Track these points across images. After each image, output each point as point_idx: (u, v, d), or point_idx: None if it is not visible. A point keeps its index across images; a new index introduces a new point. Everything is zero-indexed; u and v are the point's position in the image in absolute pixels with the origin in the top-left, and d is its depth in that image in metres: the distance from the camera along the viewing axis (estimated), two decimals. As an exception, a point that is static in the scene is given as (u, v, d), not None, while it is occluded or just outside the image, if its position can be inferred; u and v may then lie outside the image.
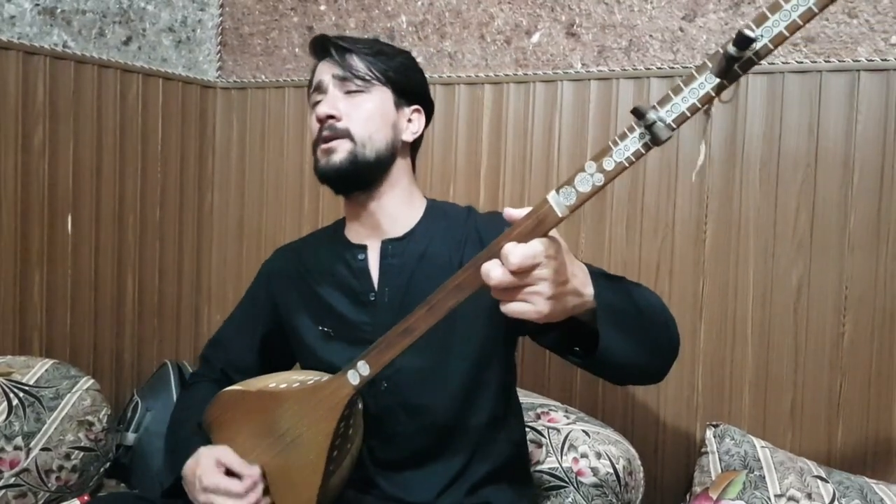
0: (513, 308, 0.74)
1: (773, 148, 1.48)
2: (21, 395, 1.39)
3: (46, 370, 1.46)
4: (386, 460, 1.11)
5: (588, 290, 0.81)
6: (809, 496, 1.21)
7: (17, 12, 1.57)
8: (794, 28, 0.63)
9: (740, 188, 1.50)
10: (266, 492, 1.02)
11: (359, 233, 1.17)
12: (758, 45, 0.63)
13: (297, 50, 1.95)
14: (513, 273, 0.71)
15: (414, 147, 1.20)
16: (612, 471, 1.33)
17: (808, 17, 0.62)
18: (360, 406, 1.03)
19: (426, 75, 1.22)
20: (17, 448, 1.35)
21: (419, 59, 1.52)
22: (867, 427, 1.42)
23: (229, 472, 1.01)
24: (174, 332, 2.00)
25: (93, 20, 1.73)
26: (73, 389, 1.47)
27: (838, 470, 1.32)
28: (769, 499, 1.21)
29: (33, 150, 1.62)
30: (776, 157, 1.48)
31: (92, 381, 1.52)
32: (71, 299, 1.71)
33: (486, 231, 1.13)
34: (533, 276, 0.72)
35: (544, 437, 1.39)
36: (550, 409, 1.47)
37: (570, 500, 1.32)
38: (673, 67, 1.54)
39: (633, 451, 1.40)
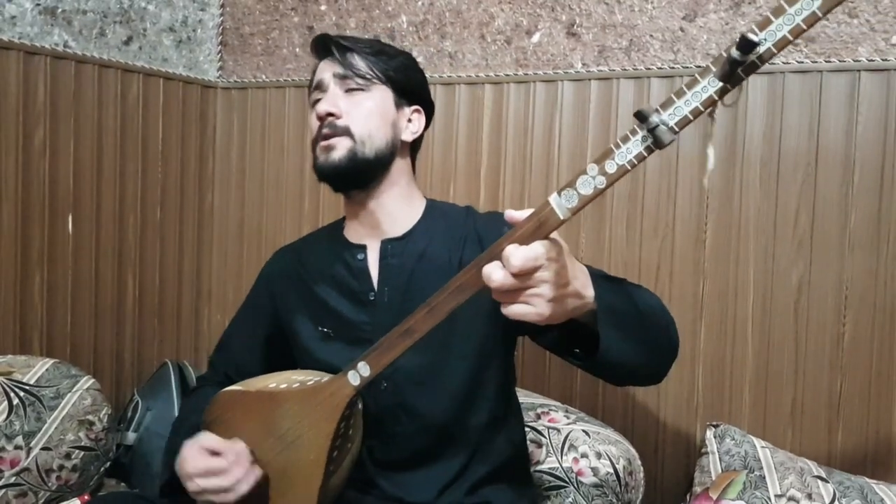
0: (514, 310, 0.74)
1: (774, 148, 1.48)
2: (22, 394, 1.39)
3: (47, 370, 1.46)
4: (386, 460, 1.11)
5: (589, 291, 0.81)
6: (810, 496, 1.21)
7: (17, 12, 1.57)
8: (797, 32, 0.63)
9: (740, 188, 1.50)
10: (259, 469, 1.00)
11: (358, 232, 1.17)
12: (761, 49, 0.63)
13: (297, 50, 1.95)
14: (514, 275, 0.71)
15: (414, 147, 1.20)
16: (612, 471, 1.33)
17: (812, 21, 0.62)
18: (360, 406, 1.03)
19: (427, 75, 1.22)
20: (17, 447, 1.35)
21: (419, 59, 1.52)
22: (867, 427, 1.42)
23: (215, 455, 1.00)
24: (174, 332, 2.00)
25: (93, 20, 1.73)
26: (74, 389, 1.47)
27: (838, 470, 1.32)
28: (769, 499, 1.21)
29: (34, 150, 1.62)
30: (776, 156, 1.48)
31: (92, 380, 1.52)
32: (71, 299, 1.71)
33: (486, 231, 1.13)
34: (534, 278, 0.72)
35: (544, 437, 1.39)
36: (550, 409, 1.47)
37: (570, 500, 1.32)
38: (673, 67, 1.54)
39: (633, 451, 1.40)
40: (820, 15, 0.62)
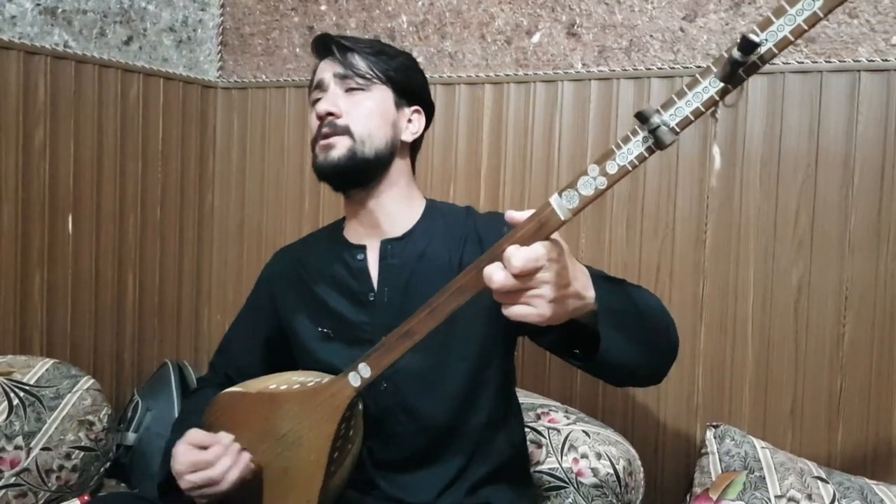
0: (515, 311, 0.74)
1: (774, 148, 1.48)
2: (22, 394, 1.39)
3: (47, 370, 1.46)
4: (386, 461, 1.11)
5: (589, 292, 0.81)
6: (810, 497, 1.21)
7: (18, 12, 1.57)
8: (799, 33, 0.63)
9: (741, 188, 1.50)
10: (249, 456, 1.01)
11: (358, 232, 1.17)
12: (762, 50, 0.63)
13: (297, 50, 1.95)
14: (515, 276, 0.71)
15: (414, 148, 1.20)
16: (612, 471, 1.33)
17: (814, 21, 0.62)
18: (360, 407, 1.03)
19: (427, 75, 1.22)
20: (17, 448, 1.35)
21: (420, 59, 1.52)
22: (867, 428, 1.42)
23: (202, 449, 1.00)
24: (174, 332, 2.00)
25: (94, 20, 1.73)
26: (74, 389, 1.47)
27: (838, 471, 1.32)
28: (769, 499, 1.21)
29: (34, 150, 1.62)
30: (776, 157, 1.48)
31: (92, 380, 1.52)
32: (71, 299, 1.71)
33: (486, 231, 1.13)
34: (535, 279, 0.72)
35: (544, 437, 1.39)
36: (551, 410, 1.47)
37: (570, 500, 1.32)
38: (673, 68, 1.54)
39: (633, 451, 1.40)
40: (821, 15, 0.62)
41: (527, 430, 1.27)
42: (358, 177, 1.11)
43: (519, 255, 0.70)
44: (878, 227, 1.41)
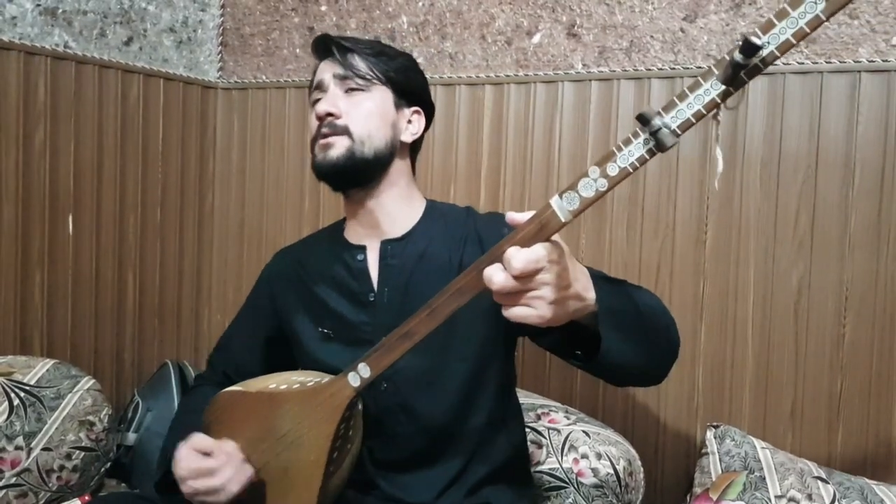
0: (515, 312, 0.74)
1: (774, 149, 1.48)
2: (22, 394, 1.39)
3: (47, 370, 1.46)
4: (386, 461, 1.11)
5: (590, 293, 0.81)
6: (810, 497, 1.21)
7: (18, 13, 1.57)
8: (801, 35, 0.62)
9: (741, 189, 1.50)
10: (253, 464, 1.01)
11: (358, 232, 1.17)
12: (764, 53, 0.63)
13: (297, 50, 1.95)
14: (515, 278, 0.71)
15: (414, 149, 1.20)
16: (612, 471, 1.33)
17: (816, 24, 0.62)
18: (360, 407, 1.03)
19: (427, 76, 1.22)
20: (18, 448, 1.35)
21: (420, 60, 1.51)
22: (867, 428, 1.42)
23: (206, 456, 1.00)
24: (175, 332, 2.00)
25: (94, 21, 1.73)
26: (74, 389, 1.47)
27: (838, 471, 1.32)
28: (769, 500, 1.21)
29: (34, 151, 1.62)
30: (777, 157, 1.48)
31: (93, 380, 1.52)
32: (72, 299, 1.71)
33: (486, 231, 1.13)
34: (536, 280, 0.72)
35: (544, 437, 1.39)
36: (551, 410, 1.47)
37: (570, 500, 1.32)
38: (674, 68, 1.54)
39: (633, 451, 1.40)
40: (823, 18, 0.62)
41: (527, 430, 1.27)
42: (357, 177, 1.11)
43: (519, 257, 0.70)
44: (878, 227, 1.41)
